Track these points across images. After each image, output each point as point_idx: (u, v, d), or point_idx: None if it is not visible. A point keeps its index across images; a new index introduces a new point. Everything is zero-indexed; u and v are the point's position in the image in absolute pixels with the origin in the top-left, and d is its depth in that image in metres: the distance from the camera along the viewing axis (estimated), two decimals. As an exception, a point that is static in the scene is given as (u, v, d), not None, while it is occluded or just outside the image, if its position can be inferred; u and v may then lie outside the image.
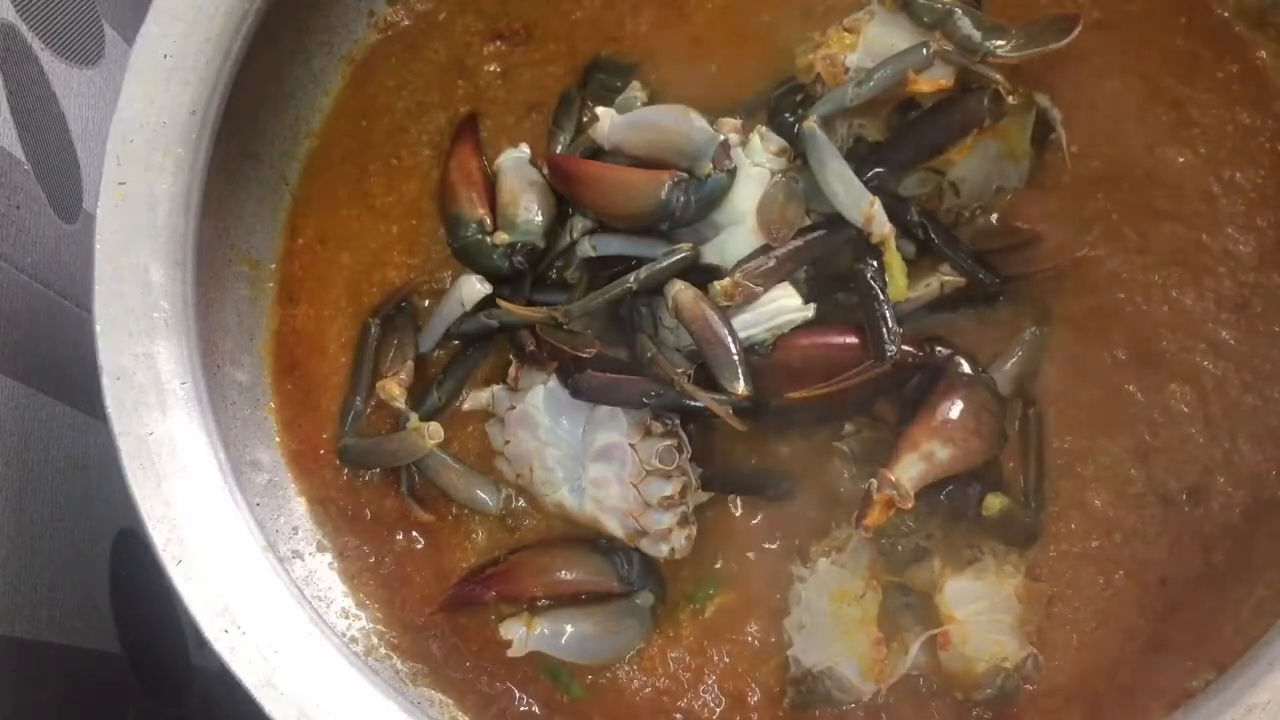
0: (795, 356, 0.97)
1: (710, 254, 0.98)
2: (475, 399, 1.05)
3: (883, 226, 0.94)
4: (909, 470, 0.93)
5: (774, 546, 1.02)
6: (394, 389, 1.03)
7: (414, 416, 1.03)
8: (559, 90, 1.09)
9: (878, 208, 0.94)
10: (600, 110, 1.01)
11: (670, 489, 0.96)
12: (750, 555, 1.02)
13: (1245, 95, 1.03)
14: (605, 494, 0.98)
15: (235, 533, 0.90)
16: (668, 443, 0.96)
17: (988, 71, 0.96)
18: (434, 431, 1.01)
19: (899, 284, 0.96)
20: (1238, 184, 1.03)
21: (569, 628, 0.99)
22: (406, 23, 1.11)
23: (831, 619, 0.97)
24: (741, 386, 0.92)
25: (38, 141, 1.12)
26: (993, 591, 0.96)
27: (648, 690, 1.01)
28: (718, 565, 1.02)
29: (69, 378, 1.14)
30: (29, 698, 1.04)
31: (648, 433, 0.97)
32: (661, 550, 0.98)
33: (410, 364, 1.06)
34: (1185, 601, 0.98)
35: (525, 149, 1.07)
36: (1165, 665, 0.97)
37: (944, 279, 1.00)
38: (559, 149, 1.07)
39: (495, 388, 1.03)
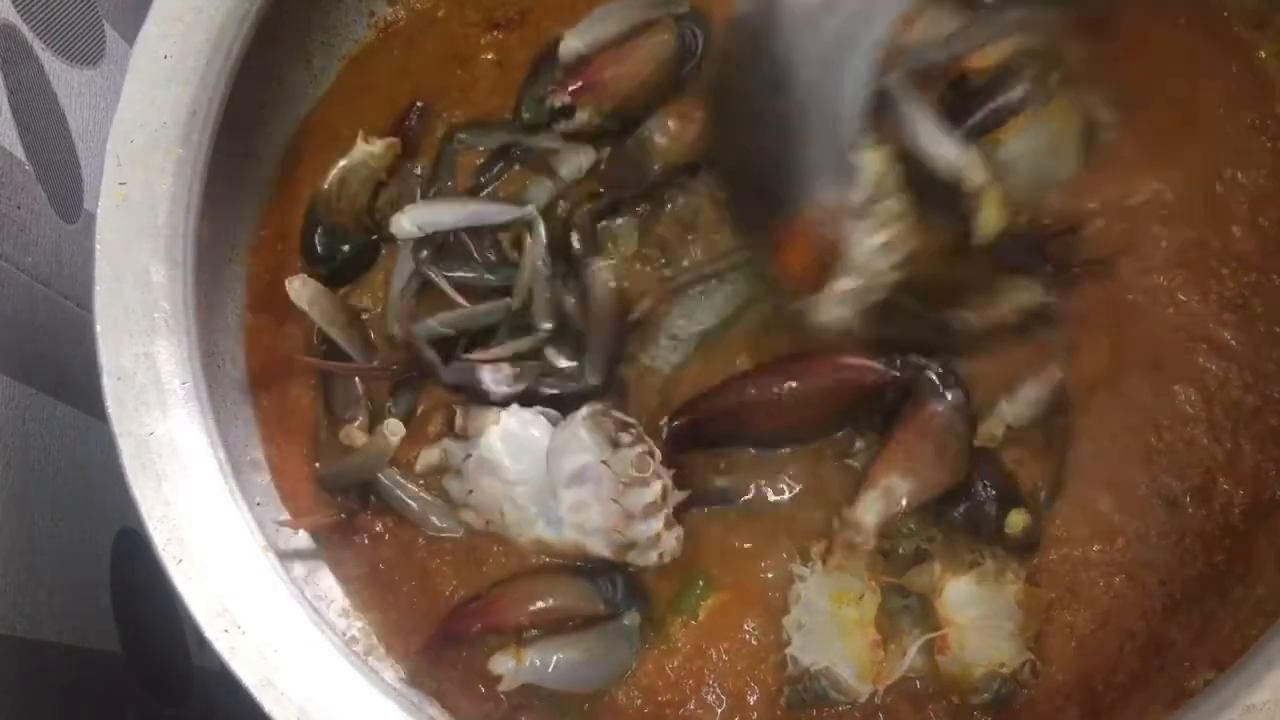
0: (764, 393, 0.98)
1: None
2: (426, 458, 1.01)
3: (978, 174, 0.93)
4: (871, 509, 0.94)
5: (775, 545, 1.02)
6: (357, 436, 1.02)
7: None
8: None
9: (972, 155, 0.93)
10: (566, 37, 1.03)
11: (652, 495, 0.95)
12: (748, 554, 1.02)
13: (1245, 95, 1.03)
14: (586, 517, 0.95)
15: (235, 532, 0.90)
16: (639, 450, 0.95)
17: (1045, 46, 0.95)
18: (394, 428, 0.99)
19: (992, 220, 0.94)
20: (1240, 184, 1.03)
21: (558, 656, 0.97)
22: (405, 21, 1.11)
23: (830, 619, 0.97)
24: (597, 379, 0.98)
25: (38, 141, 1.12)
26: (993, 597, 0.96)
27: (645, 705, 1.00)
28: (708, 568, 1.01)
29: (69, 378, 1.14)
30: (29, 698, 1.03)
31: (616, 445, 0.95)
32: (652, 558, 0.97)
33: (363, 403, 1.04)
34: (1185, 601, 0.98)
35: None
36: (1164, 665, 0.96)
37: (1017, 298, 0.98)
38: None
39: (445, 441, 1.00)
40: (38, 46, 1.14)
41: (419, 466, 1.01)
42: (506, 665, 0.96)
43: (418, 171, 1.07)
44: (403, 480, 1.03)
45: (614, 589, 0.99)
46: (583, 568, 1.00)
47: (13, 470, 1.05)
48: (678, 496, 0.98)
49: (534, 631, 0.99)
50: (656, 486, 0.95)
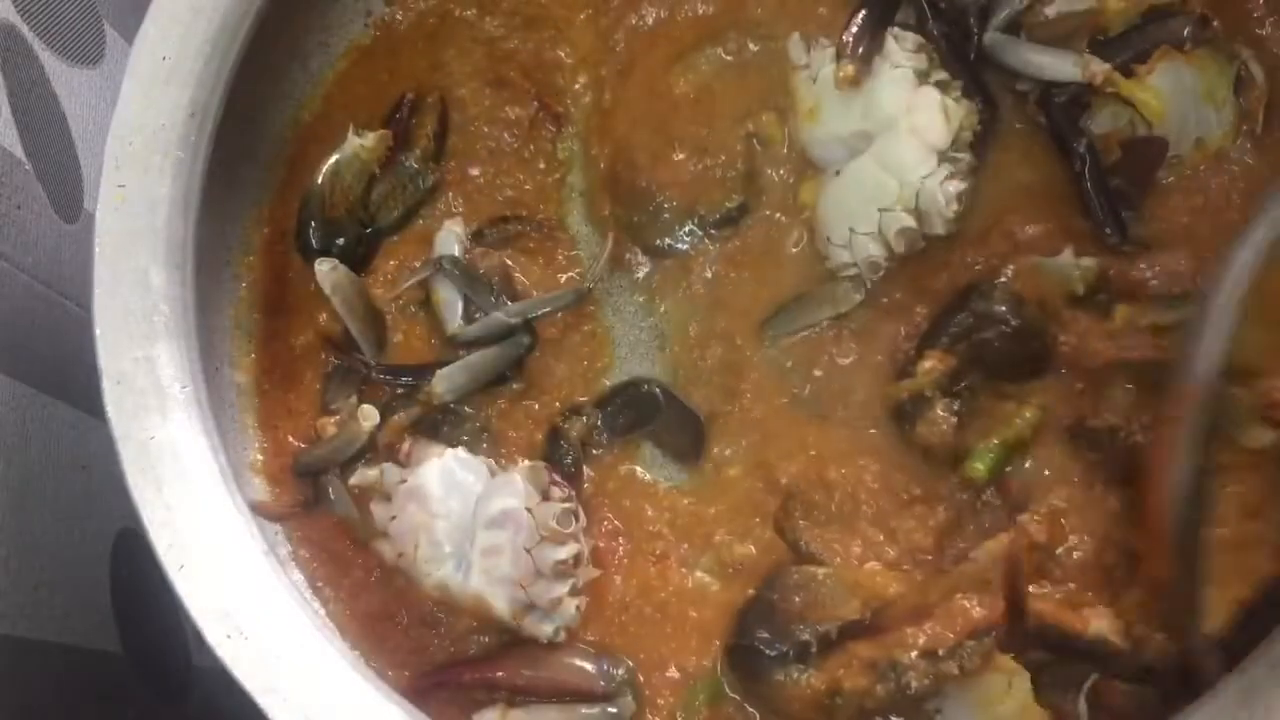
0: None
1: (868, 167, 0.97)
2: (363, 476, 0.99)
3: (1101, 65, 0.94)
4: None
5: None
6: (328, 428, 1.01)
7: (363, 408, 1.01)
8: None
9: (1089, 55, 0.94)
10: None
11: (565, 554, 0.93)
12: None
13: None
14: (496, 564, 0.93)
15: (237, 536, 0.90)
16: (565, 506, 0.94)
17: None
18: (367, 413, 0.99)
19: (1155, 107, 0.94)
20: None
21: None
22: (403, 21, 1.11)
23: None
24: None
25: (38, 141, 1.12)
26: None
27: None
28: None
29: (69, 377, 1.14)
30: (29, 698, 1.04)
31: (546, 497, 0.94)
32: (547, 630, 0.95)
33: (354, 400, 1.03)
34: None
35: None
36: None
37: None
38: None
39: (385, 464, 0.99)
40: (38, 46, 1.14)
41: (354, 480, 0.99)
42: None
43: (410, 164, 1.06)
44: (345, 488, 1.01)
45: (615, 671, 0.97)
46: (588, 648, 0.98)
47: (13, 470, 1.05)
48: (591, 572, 0.97)
49: (525, 699, 0.97)
50: (572, 548, 0.94)
